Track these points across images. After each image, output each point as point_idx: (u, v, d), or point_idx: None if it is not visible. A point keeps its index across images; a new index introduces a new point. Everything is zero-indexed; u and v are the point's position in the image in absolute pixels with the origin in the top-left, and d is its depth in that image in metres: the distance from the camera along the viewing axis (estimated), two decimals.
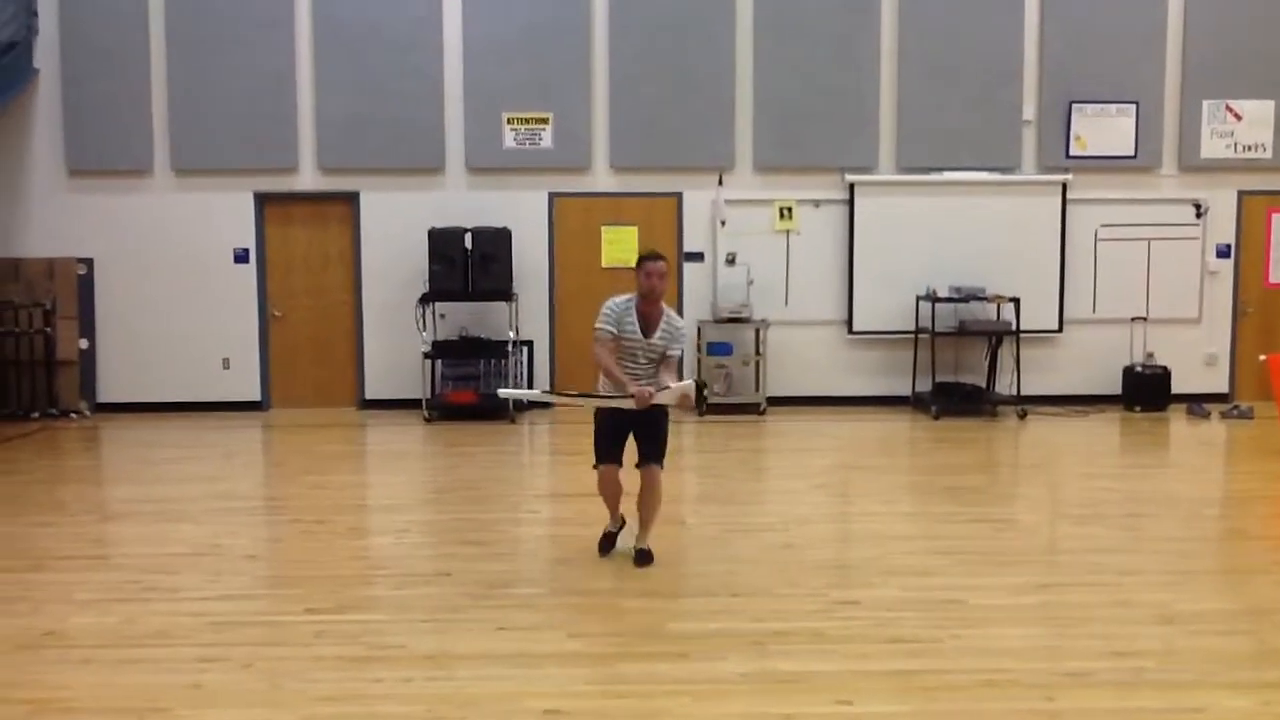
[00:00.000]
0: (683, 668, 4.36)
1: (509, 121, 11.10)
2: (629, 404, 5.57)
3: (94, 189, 11.07)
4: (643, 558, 5.80)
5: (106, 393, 11.17)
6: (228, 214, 11.16)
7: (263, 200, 11.24)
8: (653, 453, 5.76)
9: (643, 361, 5.72)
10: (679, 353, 5.87)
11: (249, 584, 5.61)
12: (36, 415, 10.75)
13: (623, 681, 4.23)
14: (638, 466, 5.78)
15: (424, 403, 10.75)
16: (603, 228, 11.30)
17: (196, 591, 5.37)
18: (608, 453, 5.78)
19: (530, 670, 4.35)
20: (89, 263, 11.03)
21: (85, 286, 10.98)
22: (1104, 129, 11.29)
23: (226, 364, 11.25)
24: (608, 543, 6.04)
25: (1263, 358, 10.01)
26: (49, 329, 10.75)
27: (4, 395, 10.80)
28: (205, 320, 11.17)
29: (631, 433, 5.78)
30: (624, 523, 6.05)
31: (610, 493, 5.90)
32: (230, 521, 6.83)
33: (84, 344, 10.95)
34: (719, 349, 10.97)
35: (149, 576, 5.61)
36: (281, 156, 11.09)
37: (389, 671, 4.33)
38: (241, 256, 11.21)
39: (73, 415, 10.82)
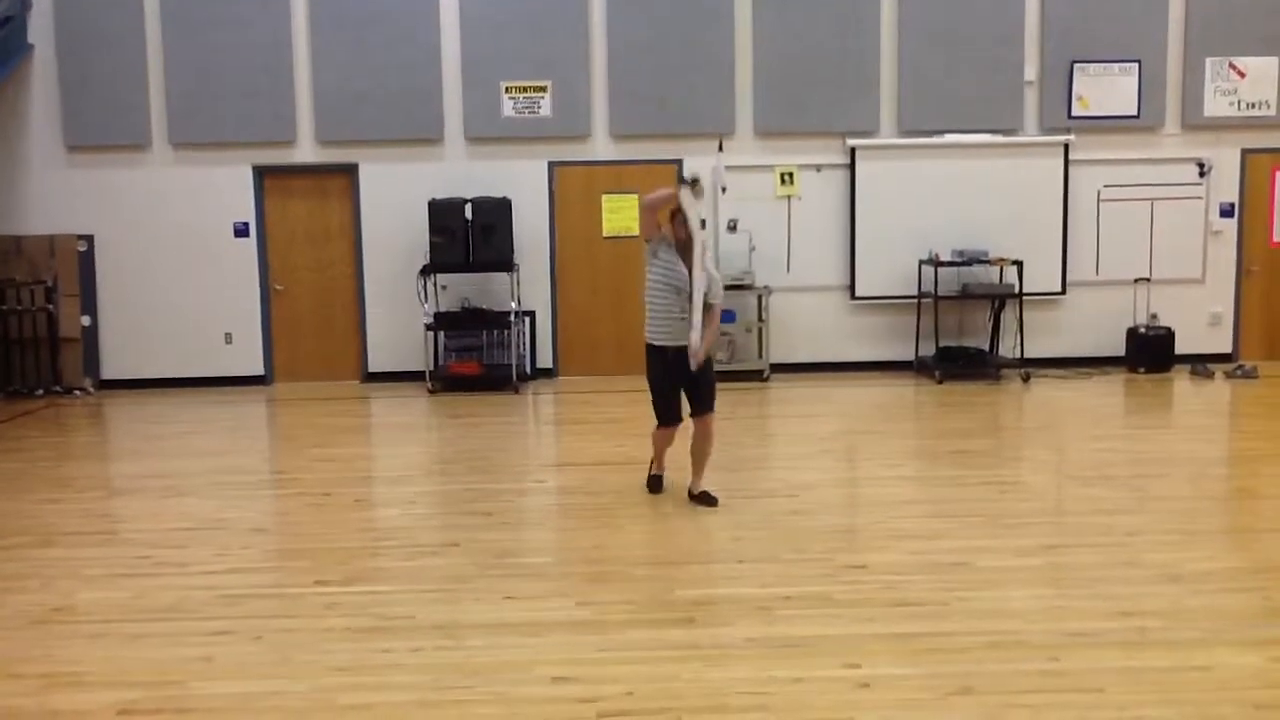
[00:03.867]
0: (691, 634, 4.38)
1: (507, 90, 11.04)
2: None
3: (92, 164, 11.04)
4: (706, 499, 6.28)
5: (110, 369, 11.19)
6: (227, 188, 11.12)
7: (261, 173, 11.20)
8: (706, 404, 6.30)
9: (678, 293, 6.16)
10: (719, 301, 6.33)
11: (257, 557, 5.63)
12: (41, 393, 10.76)
13: (631, 648, 4.25)
14: (693, 416, 6.30)
15: (427, 374, 10.76)
16: (603, 196, 11.25)
17: (205, 565, 5.39)
18: (669, 414, 6.32)
19: (539, 638, 4.37)
20: (89, 239, 11.01)
21: (86, 263, 10.96)
22: (1106, 89, 11.21)
23: (229, 338, 11.25)
24: (657, 484, 6.57)
25: None
26: (51, 306, 10.75)
27: (8, 373, 10.81)
28: (207, 295, 11.16)
29: (683, 389, 6.29)
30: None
31: (663, 445, 6.47)
32: (237, 495, 6.85)
33: (86, 321, 10.94)
34: (722, 316, 10.92)
35: (157, 551, 5.63)
36: (279, 129, 11.04)
37: (398, 642, 4.35)
38: (241, 230, 11.19)
39: (77, 392, 10.83)
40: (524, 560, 5.43)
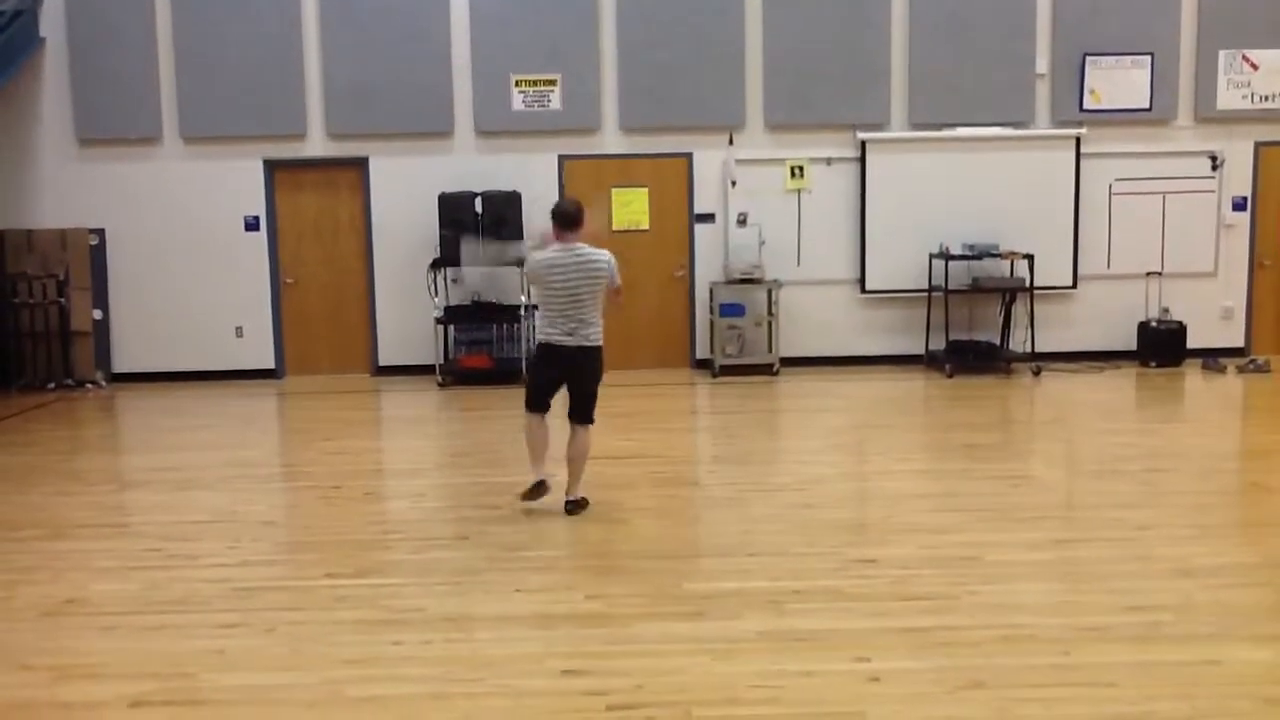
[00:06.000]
0: (700, 627, 4.38)
1: (517, 84, 11.03)
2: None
3: (103, 158, 11.06)
4: (573, 507, 6.09)
5: (121, 362, 11.21)
6: (237, 181, 11.13)
7: (272, 167, 11.21)
8: (581, 412, 6.10)
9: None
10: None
11: (268, 550, 5.64)
12: (53, 386, 10.80)
13: (640, 641, 4.25)
14: (570, 419, 6.12)
15: (438, 368, 10.77)
16: (613, 189, 11.24)
17: (216, 558, 5.41)
18: (537, 403, 6.12)
19: (548, 631, 4.38)
20: (100, 233, 11.03)
21: (97, 256, 10.99)
22: (1118, 81, 11.16)
23: (240, 332, 11.28)
24: (536, 492, 6.12)
25: None
26: (63, 300, 10.78)
27: (20, 366, 10.85)
28: (218, 289, 11.18)
29: (566, 387, 6.11)
30: (547, 486, 6.15)
31: (536, 440, 6.14)
32: (248, 488, 6.87)
33: (98, 314, 10.97)
34: (731, 310, 10.93)
35: (169, 544, 5.65)
36: (290, 122, 11.05)
37: (409, 634, 4.36)
38: (252, 224, 11.20)
39: (89, 385, 10.87)
40: (534, 553, 5.43)
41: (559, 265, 5.96)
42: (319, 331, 11.44)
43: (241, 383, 11.06)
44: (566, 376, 6.07)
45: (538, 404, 6.14)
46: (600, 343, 6.07)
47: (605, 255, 6.10)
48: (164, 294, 11.15)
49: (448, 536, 5.76)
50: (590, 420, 6.14)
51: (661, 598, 4.73)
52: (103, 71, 10.93)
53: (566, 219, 6.05)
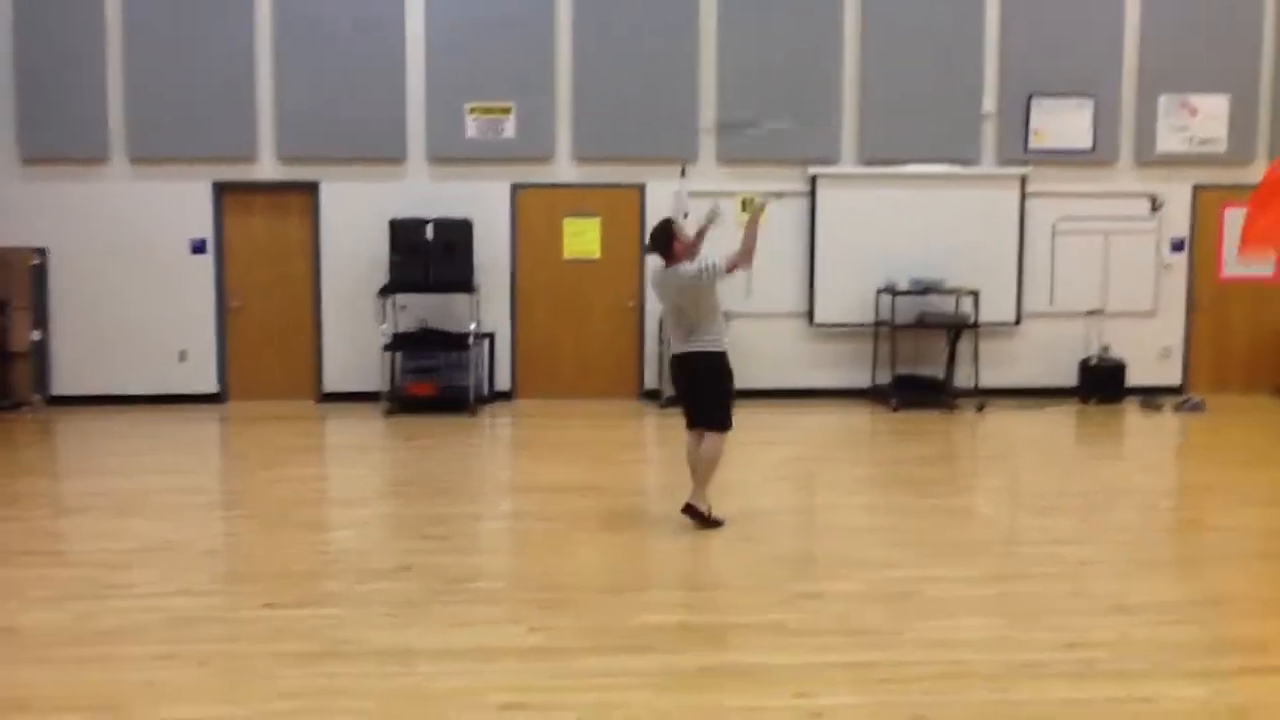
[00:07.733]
0: (643, 661, 4.37)
1: (471, 111, 11.04)
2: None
3: (48, 177, 10.90)
4: (689, 512, 6.30)
5: (60, 385, 11.02)
6: (185, 203, 11.02)
7: (221, 190, 11.12)
8: (700, 417, 6.38)
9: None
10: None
11: (206, 579, 5.56)
12: None
13: (583, 675, 4.23)
14: (696, 426, 6.43)
15: (383, 395, 10.68)
16: (565, 219, 11.26)
17: (153, 587, 5.31)
18: (687, 420, 6.51)
19: (490, 664, 4.34)
20: (43, 252, 10.86)
21: (39, 277, 10.81)
22: (1062, 122, 11.39)
23: (184, 356, 11.13)
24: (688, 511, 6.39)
25: None
26: (2, 320, 10.58)
27: None
28: (162, 311, 11.04)
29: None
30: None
31: (690, 459, 6.47)
32: (187, 516, 6.76)
33: (37, 335, 10.78)
34: None
35: (104, 572, 5.54)
36: (240, 145, 10.97)
37: (348, 667, 4.31)
38: (199, 247, 11.08)
39: (25, 407, 10.66)
40: (477, 585, 5.39)
41: (658, 285, 6.45)
42: (265, 357, 11.31)
43: (184, 407, 10.91)
44: (691, 385, 6.35)
45: (688, 421, 6.48)
46: (717, 348, 6.28)
47: (691, 268, 6.29)
48: (107, 315, 10.99)
49: (390, 567, 5.70)
50: (714, 426, 6.33)
51: (604, 631, 4.72)
52: (50, 90, 10.79)
53: (654, 244, 6.43)
